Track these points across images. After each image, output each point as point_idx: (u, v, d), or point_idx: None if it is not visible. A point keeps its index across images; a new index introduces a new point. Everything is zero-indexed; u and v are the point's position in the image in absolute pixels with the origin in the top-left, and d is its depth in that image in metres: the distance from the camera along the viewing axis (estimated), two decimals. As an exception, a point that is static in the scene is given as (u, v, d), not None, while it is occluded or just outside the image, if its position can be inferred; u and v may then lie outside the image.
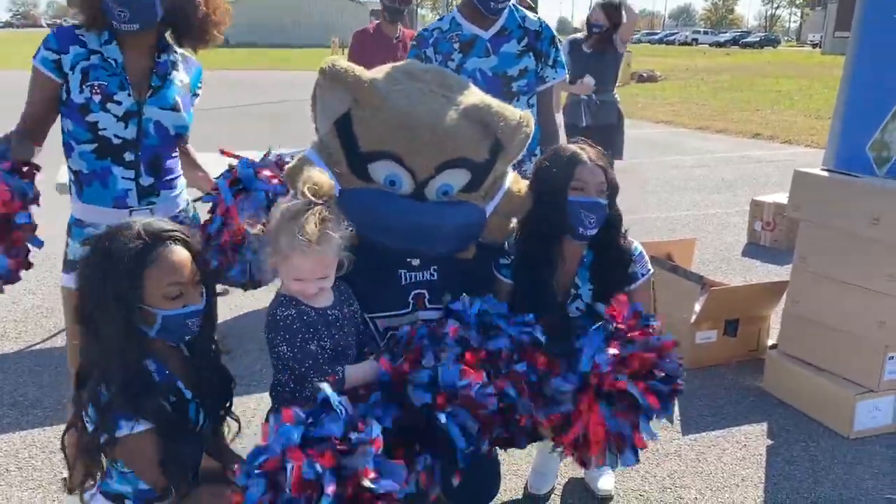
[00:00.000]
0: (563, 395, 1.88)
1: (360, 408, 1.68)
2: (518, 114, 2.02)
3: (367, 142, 1.95)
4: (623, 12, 4.81)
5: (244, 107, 13.93)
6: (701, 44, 54.80)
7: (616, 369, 1.86)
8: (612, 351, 1.88)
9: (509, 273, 2.18)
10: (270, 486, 1.41)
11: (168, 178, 2.15)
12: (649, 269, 2.24)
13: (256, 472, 1.42)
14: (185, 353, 1.72)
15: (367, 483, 1.41)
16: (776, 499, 2.51)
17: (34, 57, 1.98)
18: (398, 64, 2.13)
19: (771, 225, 5.48)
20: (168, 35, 2.12)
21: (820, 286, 3.03)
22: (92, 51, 1.97)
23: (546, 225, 2.09)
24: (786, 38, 76.97)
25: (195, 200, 2.35)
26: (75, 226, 2.08)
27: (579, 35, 5.06)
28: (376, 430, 1.51)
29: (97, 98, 1.93)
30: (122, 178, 2.02)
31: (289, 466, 1.40)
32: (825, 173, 3.08)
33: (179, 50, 2.16)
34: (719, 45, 52.32)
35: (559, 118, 3.20)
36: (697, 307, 3.43)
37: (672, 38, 59.75)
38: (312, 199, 1.71)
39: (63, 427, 1.67)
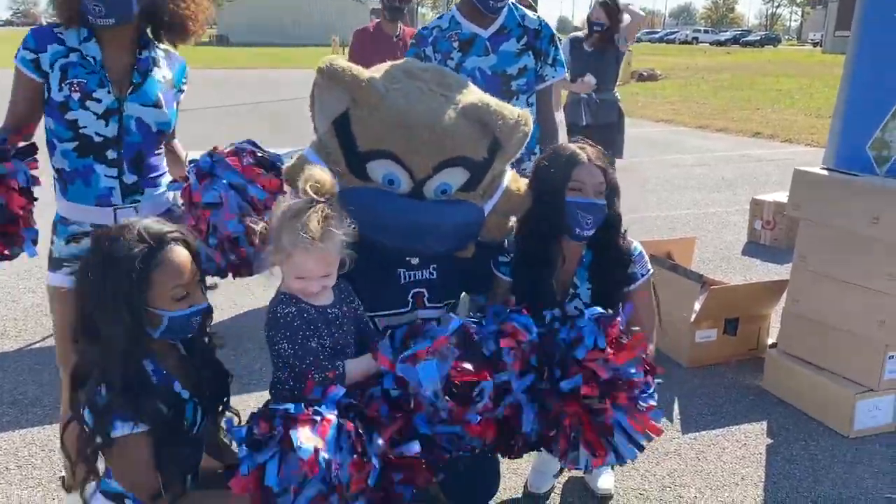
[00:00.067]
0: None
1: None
2: (516, 112, 2.02)
3: (365, 141, 1.95)
4: (625, 13, 4.81)
5: (243, 106, 13.93)
6: (701, 42, 54.80)
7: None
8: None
9: (509, 271, 2.18)
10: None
11: (152, 175, 2.12)
12: (649, 270, 2.23)
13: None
14: (181, 350, 1.72)
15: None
16: (776, 498, 2.51)
17: (15, 57, 1.98)
18: (397, 62, 2.13)
19: (771, 224, 5.48)
20: (149, 31, 2.10)
21: (820, 285, 3.02)
22: (71, 48, 1.96)
23: (545, 225, 2.09)
24: (786, 37, 76.96)
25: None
26: (60, 223, 2.07)
27: (580, 33, 5.05)
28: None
29: (76, 96, 1.93)
30: (105, 176, 2.00)
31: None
32: (825, 172, 3.08)
33: (163, 46, 2.14)
34: (720, 43, 52.33)
35: (559, 117, 3.20)
36: (697, 306, 3.42)
37: (672, 36, 59.73)
38: (315, 196, 1.71)
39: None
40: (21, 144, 1.96)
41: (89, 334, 1.55)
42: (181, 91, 2.18)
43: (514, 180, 2.14)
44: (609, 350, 1.80)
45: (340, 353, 1.83)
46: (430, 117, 1.92)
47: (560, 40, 2.94)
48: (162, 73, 2.09)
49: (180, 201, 2.18)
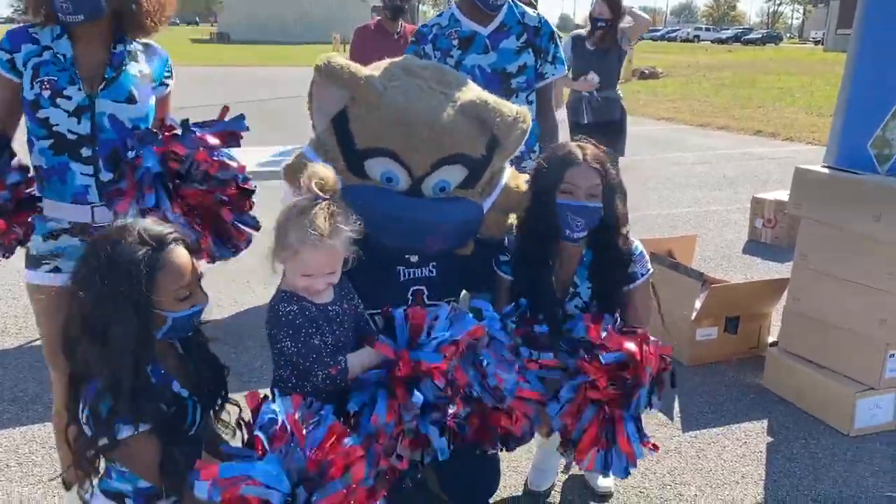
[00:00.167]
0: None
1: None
2: (514, 109, 2.02)
3: (364, 139, 1.94)
4: (629, 16, 4.80)
5: (244, 103, 13.90)
6: (703, 40, 54.66)
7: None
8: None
9: (509, 270, 2.18)
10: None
11: None
12: (649, 269, 2.23)
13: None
14: (179, 349, 1.72)
15: None
16: (776, 496, 2.51)
17: None
18: (396, 60, 2.12)
19: (772, 222, 5.47)
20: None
21: (821, 283, 3.02)
22: (45, 47, 1.95)
23: (543, 224, 2.09)
24: (788, 35, 76.84)
25: None
26: (38, 220, 2.05)
27: (582, 31, 5.03)
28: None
29: (46, 93, 1.91)
30: (81, 174, 1.98)
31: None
32: (826, 171, 3.07)
33: (143, 39, 2.10)
34: (721, 41, 52.21)
35: (560, 114, 3.19)
36: (698, 304, 3.42)
37: (674, 34, 59.57)
38: (320, 193, 1.70)
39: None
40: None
41: (93, 338, 1.54)
42: (164, 85, 2.13)
43: (513, 177, 2.14)
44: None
45: (342, 351, 1.83)
46: (429, 115, 1.92)
47: (560, 38, 2.93)
48: (138, 68, 2.04)
49: None
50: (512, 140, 2.03)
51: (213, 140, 1.96)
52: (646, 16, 5.09)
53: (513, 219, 2.19)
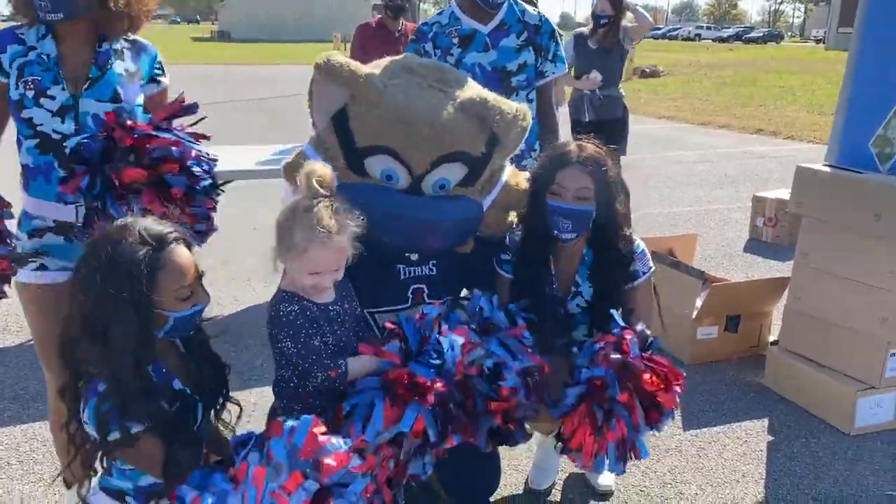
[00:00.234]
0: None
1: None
2: (514, 107, 2.01)
3: (364, 137, 1.94)
4: (632, 13, 4.79)
5: (244, 102, 13.92)
6: (704, 39, 54.55)
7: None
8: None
9: (510, 268, 2.17)
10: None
11: None
12: (650, 268, 2.22)
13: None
14: (180, 347, 1.72)
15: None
16: (777, 495, 2.51)
17: None
18: (396, 58, 2.12)
19: (773, 221, 5.47)
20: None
21: (822, 282, 3.02)
22: (30, 47, 1.95)
23: (537, 224, 2.09)
24: (789, 34, 76.69)
25: None
26: (24, 218, 2.05)
27: (585, 30, 5.01)
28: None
29: (30, 93, 1.91)
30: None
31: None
32: (828, 169, 3.06)
33: (131, 36, 2.07)
34: (722, 40, 52.08)
35: (562, 113, 3.19)
36: (699, 303, 3.42)
37: (675, 33, 59.45)
38: (321, 190, 1.70)
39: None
40: None
41: (92, 336, 1.54)
42: (155, 82, 2.11)
43: (513, 175, 2.14)
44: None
45: (343, 351, 1.82)
46: (429, 113, 1.92)
47: (561, 36, 2.93)
48: (124, 66, 2.03)
49: None
50: (512, 138, 2.03)
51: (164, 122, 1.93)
52: (648, 16, 5.09)
53: (513, 217, 2.18)
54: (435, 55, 2.75)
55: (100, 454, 1.59)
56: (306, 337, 1.74)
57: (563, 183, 2.03)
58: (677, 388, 1.89)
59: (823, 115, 11.93)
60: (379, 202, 1.92)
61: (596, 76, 4.76)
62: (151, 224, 1.58)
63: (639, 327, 1.97)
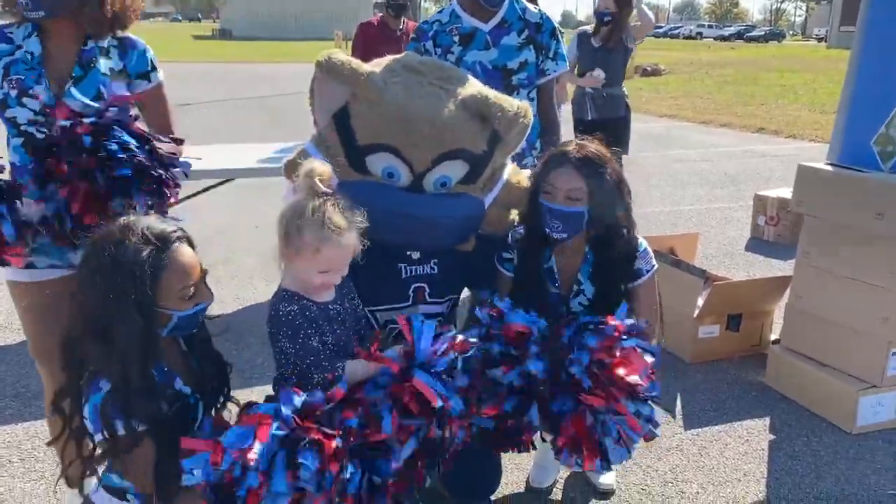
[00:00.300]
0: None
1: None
2: (515, 104, 2.01)
3: (365, 135, 1.94)
4: (636, 10, 4.78)
5: (245, 100, 13.91)
6: (705, 37, 54.45)
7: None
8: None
9: (512, 267, 2.17)
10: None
11: None
12: (653, 266, 2.22)
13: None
14: (182, 346, 1.72)
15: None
16: (778, 494, 2.50)
17: None
18: (397, 56, 2.12)
19: (774, 220, 5.46)
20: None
21: (823, 281, 3.01)
22: (18, 46, 1.94)
23: (534, 223, 2.09)
24: (791, 32, 76.58)
25: None
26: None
27: (588, 28, 5.01)
28: None
29: (13, 93, 1.90)
30: None
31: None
32: (829, 168, 3.06)
33: (121, 34, 2.04)
34: (724, 38, 52.01)
35: (564, 111, 3.18)
36: (700, 302, 3.42)
37: (676, 31, 59.39)
38: (323, 189, 1.70)
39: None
40: None
41: (94, 336, 1.54)
42: (145, 79, 2.08)
43: (514, 173, 2.14)
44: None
45: (343, 350, 1.82)
46: (430, 111, 1.92)
47: (562, 34, 2.92)
48: (109, 65, 2.00)
49: None
50: (513, 135, 2.03)
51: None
52: (651, 15, 5.08)
53: (514, 215, 2.18)
54: (435, 53, 2.74)
55: (99, 453, 1.59)
56: (305, 338, 1.74)
57: (556, 183, 2.03)
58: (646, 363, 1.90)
59: (825, 113, 11.92)
60: (380, 200, 1.92)
61: (599, 74, 4.75)
62: (154, 223, 1.57)
63: (629, 321, 1.97)
